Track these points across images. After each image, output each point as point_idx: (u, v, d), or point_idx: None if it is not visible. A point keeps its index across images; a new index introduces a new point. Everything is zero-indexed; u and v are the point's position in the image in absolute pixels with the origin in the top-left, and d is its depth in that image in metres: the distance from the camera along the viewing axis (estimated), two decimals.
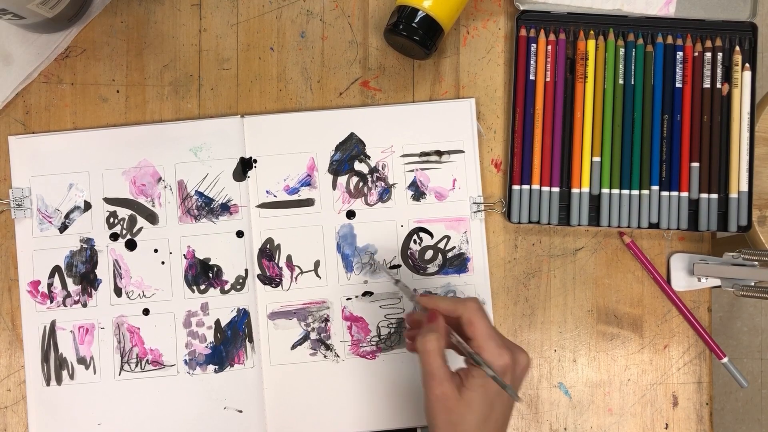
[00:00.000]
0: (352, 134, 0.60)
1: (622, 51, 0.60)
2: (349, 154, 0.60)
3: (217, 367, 0.59)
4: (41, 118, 0.60)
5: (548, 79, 0.60)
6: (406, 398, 0.59)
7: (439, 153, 0.60)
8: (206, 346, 0.59)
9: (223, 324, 0.59)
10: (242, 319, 0.59)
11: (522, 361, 0.47)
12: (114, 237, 0.59)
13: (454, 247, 0.60)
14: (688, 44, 0.61)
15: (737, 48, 0.61)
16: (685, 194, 0.60)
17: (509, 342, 0.48)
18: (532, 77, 0.60)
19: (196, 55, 0.61)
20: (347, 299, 0.59)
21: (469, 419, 0.45)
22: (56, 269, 0.59)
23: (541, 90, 0.60)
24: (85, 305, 0.59)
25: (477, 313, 0.47)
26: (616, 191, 0.60)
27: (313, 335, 0.59)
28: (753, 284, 0.57)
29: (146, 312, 0.59)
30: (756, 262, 0.57)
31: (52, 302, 0.59)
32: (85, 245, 0.59)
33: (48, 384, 0.58)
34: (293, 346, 0.59)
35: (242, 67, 0.61)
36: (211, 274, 0.59)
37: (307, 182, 0.60)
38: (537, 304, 0.61)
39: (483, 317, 0.47)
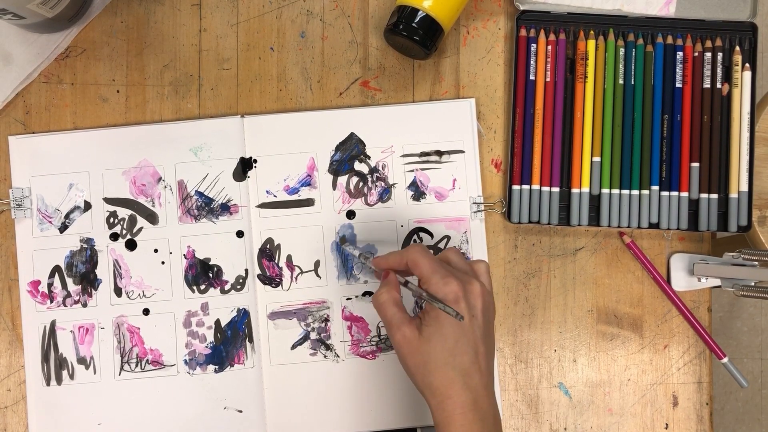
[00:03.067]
0: (352, 134, 0.60)
1: (622, 51, 0.60)
2: (349, 154, 0.60)
3: (217, 367, 0.59)
4: (41, 118, 0.60)
5: (548, 79, 0.60)
6: (406, 398, 0.59)
7: (439, 153, 0.60)
8: (206, 346, 0.59)
9: (223, 324, 0.59)
10: (242, 319, 0.59)
11: (475, 288, 0.47)
12: (114, 237, 0.59)
13: (454, 247, 0.60)
14: (688, 44, 0.61)
15: (737, 48, 0.60)
16: (685, 194, 0.60)
17: (461, 274, 0.48)
18: (532, 77, 0.60)
19: (196, 55, 0.61)
20: (347, 299, 0.59)
21: (434, 355, 0.45)
22: (56, 269, 0.59)
23: (541, 90, 0.60)
24: (85, 305, 0.59)
25: (419, 254, 0.48)
26: (616, 191, 0.60)
27: (313, 335, 0.59)
28: (753, 284, 0.57)
29: (146, 312, 0.59)
30: (756, 262, 0.57)
31: (52, 302, 0.59)
32: (85, 245, 0.59)
33: (48, 384, 0.58)
34: (293, 346, 0.59)
35: (242, 67, 0.61)
36: (211, 274, 0.59)
37: (307, 182, 0.60)
38: (537, 304, 0.61)
39: (425, 255, 0.48)
